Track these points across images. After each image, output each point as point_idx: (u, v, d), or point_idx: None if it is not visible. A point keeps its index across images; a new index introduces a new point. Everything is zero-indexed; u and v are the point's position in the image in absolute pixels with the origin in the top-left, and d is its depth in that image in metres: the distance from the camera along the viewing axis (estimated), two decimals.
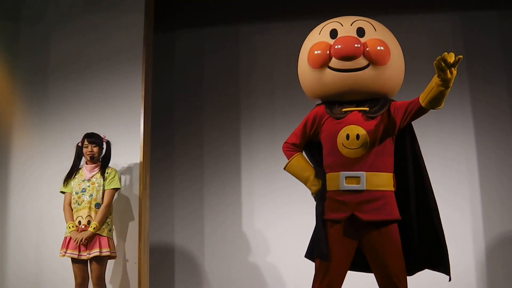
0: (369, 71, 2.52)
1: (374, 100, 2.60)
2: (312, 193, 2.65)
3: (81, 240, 3.47)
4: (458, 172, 4.72)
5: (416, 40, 4.86)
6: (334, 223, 2.51)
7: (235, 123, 5.11)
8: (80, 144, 3.72)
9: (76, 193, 3.63)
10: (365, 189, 2.47)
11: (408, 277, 2.56)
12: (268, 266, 4.79)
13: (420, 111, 2.52)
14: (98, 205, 3.60)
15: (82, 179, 3.66)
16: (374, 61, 2.52)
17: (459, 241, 4.53)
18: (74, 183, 3.67)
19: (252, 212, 4.93)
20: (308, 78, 2.68)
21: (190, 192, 5.05)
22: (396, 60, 2.60)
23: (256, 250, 4.85)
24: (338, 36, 2.57)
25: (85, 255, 3.50)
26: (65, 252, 3.52)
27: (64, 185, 3.70)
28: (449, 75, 2.25)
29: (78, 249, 3.50)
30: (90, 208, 3.58)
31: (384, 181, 2.51)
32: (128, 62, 4.35)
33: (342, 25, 2.62)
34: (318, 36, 2.65)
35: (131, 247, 4.02)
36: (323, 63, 2.56)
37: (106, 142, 3.77)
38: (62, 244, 3.56)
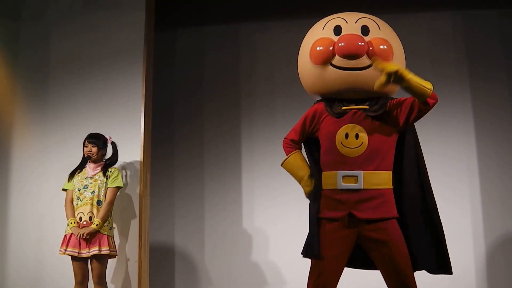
0: (371, 71, 2.50)
1: (374, 99, 2.58)
2: (305, 193, 2.65)
3: (83, 235, 3.47)
4: (458, 171, 4.72)
5: (416, 39, 4.85)
6: (330, 221, 2.50)
7: (236, 121, 5.11)
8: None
9: (78, 190, 3.64)
10: (362, 188, 2.46)
11: None
12: (268, 264, 4.80)
13: (420, 107, 2.48)
14: (100, 203, 3.61)
15: (85, 177, 3.68)
16: None
17: (459, 240, 4.52)
18: (77, 180, 3.69)
19: (253, 210, 4.93)
20: (309, 74, 2.65)
21: (191, 191, 5.05)
22: (398, 60, 2.59)
23: (256, 248, 4.86)
24: (342, 33, 2.55)
25: (84, 253, 3.51)
26: (65, 250, 3.52)
27: (68, 180, 3.72)
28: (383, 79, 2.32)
29: (78, 247, 3.51)
30: (92, 204, 3.59)
31: (382, 179, 2.50)
32: (128, 60, 4.35)
33: (347, 22, 2.59)
34: (321, 32, 2.62)
35: (131, 246, 4.03)
36: (325, 60, 2.54)
37: (111, 143, 3.79)
38: (62, 242, 3.57)
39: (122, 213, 4.06)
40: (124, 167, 4.12)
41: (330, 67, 2.54)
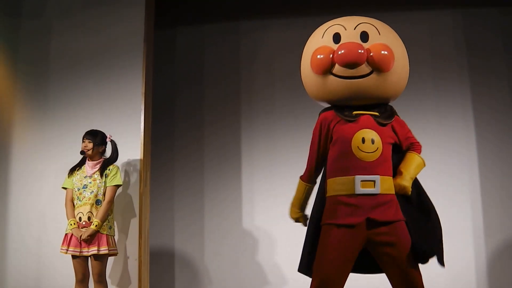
0: (372, 78, 2.50)
1: (381, 106, 2.61)
2: (290, 216, 2.78)
3: (84, 238, 3.48)
4: (458, 170, 4.71)
5: (417, 37, 4.85)
6: (341, 227, 2.46)
7: (236, 119, 5.11)
8: None
9: (78, 189, 3.63)
10: (379, 192, 2.46)
11: None
12: (268, 263, 4.80)
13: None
14: (99, 202, 3.61)
15: (84, 176, 3.67)
16: (377, 68, 2.49)
17: (459, 239, 4.53)
18: (76, 179, 3.68)
19: (253, 208, 4.93)
20: (311, 83, 2.65)
21: (191, 189, 5.05)
22: (400, 65, 2.58)
23: (257, 247, 4.85)
24: (341, 41, 2.53)
25: (85, 252, 3.51)
26: (67, 250, 3.53)
27: (68, 176, 3.72)
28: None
29: (79, 246, 3.51)
30: (91, 204, 3.58)
31: (390, 184, 2.52)
32: (128, 58, 4.34)
33: (346, 29, 2.57)
34: (320, 40, 2.61)
35: (131, 244, 4.02)
36: (325, 69, 2.53)
37: (111, 142, 3.78)
38: (63, 241, 3.57)
39: (122, 211, 4.06)
40: (124, 166, 4.11)
41: (331, 76, 2.53)
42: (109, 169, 3.70)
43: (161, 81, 5.03)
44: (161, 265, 4.89)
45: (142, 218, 4.05)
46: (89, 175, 3.66)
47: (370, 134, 2.51)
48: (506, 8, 4.90)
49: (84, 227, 3.54)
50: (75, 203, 3.63)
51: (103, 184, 3.64)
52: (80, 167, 3.72)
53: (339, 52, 2.48)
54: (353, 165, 2.49)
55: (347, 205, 2.48)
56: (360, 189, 2.46)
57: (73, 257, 3.54)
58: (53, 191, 4.04)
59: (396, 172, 2.57)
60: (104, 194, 3.63)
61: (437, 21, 5.01)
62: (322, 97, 2.66)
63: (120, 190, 3.88)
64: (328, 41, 2.57)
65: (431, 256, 2.55)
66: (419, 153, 2.63)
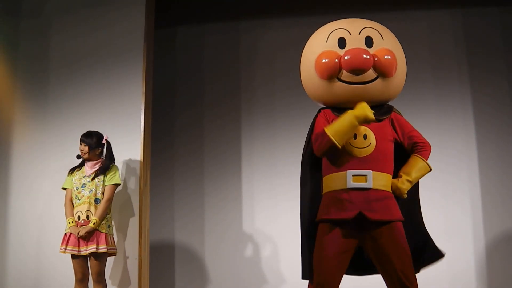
0: (377, 83, 2.55)
1: (378, 105, 2.63)
2: (368, 117, 2.47)
3: (82, 235, 3.47)
4: (458, 169, 4.71)
5: (417, 36, 4.84)
6: (335, 223, 2.49)
7: (235, 118, 5.11)
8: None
9: (77, 188, 3.63)
10: (371, 187, 2.48)
11: None
12: (267, 262, 4.80)
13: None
14: (98, 201, 3.61)
15: (83, 175, 3.67)
16: (383, 73, 2.54)
17: (459, 238, 4.53)
18: (75, 179, 3.68)
19: (253, 207, 4.93)
20: (314, 87, 2.67)
21: (191, 188, 5.05)
22: (401, 68, 2.63)
23: (257, 246, 4.85)
24: (347, 47, 2.55)
25: (83, 251, 3.51)
26: (65, 249, 3.52)
27: (68, 175, 3.72)
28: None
29: (78, 245, 3.51)
30: (89, 203, 3.58)
31: (387, 181, 2.53)
32: (128, 57, 4.34)
33: (350, 34, 2.59)
34: (325, 43, 2.62)
35: (131, 243, 4.02)
36: (332, 75, 2.55)
37: (106, 143, 3.76)
38: (62, 240, 3.57)
39: (122, 210, 4.06)
40: (124, 165, 4.10)
41: (337, 82, 2.56)
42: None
43: (161, 80, 5.03)
44: (161, 265, 4.88)
45: (142, 217, 4.04)
46: (88, 175, 3.66)
47: (362, 129, 2.53)
48: (506, 7, 4.90)
49: (83, 225, 3.54)
50: (74, 202, 3.62)
51: (102, 183, 3.64)
52: (80, 168, 3.73)
53: (346, 58, 2.49)
54: (346, 160, 2.52)
55: (340, 200, 2.50)
56: (351, 183, 2.48)
57: (73, 257, 3.54)
58: (53, 191, 4.04)
59: (398, 172, 2.58)
60: (103, 193, 3.63)
61: (437, 20, 5.01)
62: (326, 100, 2.68)
63: (119, 188, 3.87)
64: (333, 45, 2.59)
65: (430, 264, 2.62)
66: (426, 155, 2.62)
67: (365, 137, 2.53)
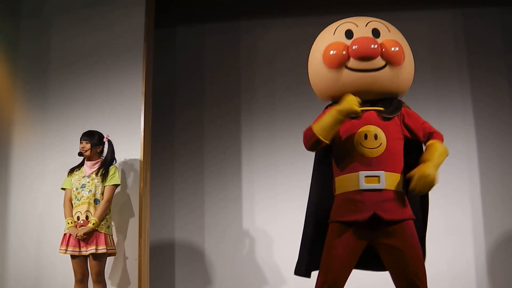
0: (386, 72, 2.52)
1: (387, 100, 2.60)
2: (355, 111, 2.45)
3: (80, 235, 3.47)
4: (458, 168, 4.70)
5: (417, 35, 4.83)
6: (349, 225, 2.47)
7: (236, 118, 5.11)
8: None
9: (76, 189, 3.63)
10: (384, 188, 2.46)
11: None
12: (268, 261, 4.79)
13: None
14: (97, 201, 3.60)
15: (83, 175, 3.67)
16: (391, 61, 2.52)
17: (459, 238, 4.52)
18: (75, 179, 3.68)
19: (253, 207, 4.93)
20: (323, 78, 2.65)
21: (191, 188, 5.05)
22: (408, 61, 2.62)
23: (257, 246, 4.85)
24: (354, 37, 2.55)
25: (83, 252, 3.51)
26: (66, 250, 3.53)
27: (67, 175, 3.72)
28: None
29: (78, 246, 3.51)
30: (89, 203, 3.58)
31: (399, 181, 2.50)
32: (128, 57, 4.33)
33: (357, 26, 2.60)
34: (332, 36, 2.62)
35: (131, 244, 4.02)
36: (340, 63, 2.53)
37: (107, 142, 3.76)
38: (62, 241, 3.57)
39: (122, 211, 4.05)
40: (123, 165, 4.10)
41: (346, 70, 2.54)
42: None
43: (161, 80, 5.03)
44: (161, 264, 4.88)
45: (142, 217, 4.04)
46: (87, 175, 3.66)
47: (372, 129, 2.51)
48: (506, 7, 4.90)
49: (82, 226, 3.53)
50: (73, 203, 3.62)
51: (101, 183, 3.64)
52: (79, 168, 3.72)
53: (354, 47, 2.50)
54: (357, 161, 2.50)
55: (353, 201, 2.48)
56: (364, 185, 2.46)
57: (72, 257, 3.54)
58: (53, 191, 4.03)
59: (419, 162, 2.48)
60: (102, 194, 3.63)
61: (437, 20, 5.01)
62: (334, 92, 2.63)
63: (118, 189, 3.87)
64: (341, 37, 2.59)
65: None
66: (442, 141, 2.59)
67: (375, 137, 2.50)
